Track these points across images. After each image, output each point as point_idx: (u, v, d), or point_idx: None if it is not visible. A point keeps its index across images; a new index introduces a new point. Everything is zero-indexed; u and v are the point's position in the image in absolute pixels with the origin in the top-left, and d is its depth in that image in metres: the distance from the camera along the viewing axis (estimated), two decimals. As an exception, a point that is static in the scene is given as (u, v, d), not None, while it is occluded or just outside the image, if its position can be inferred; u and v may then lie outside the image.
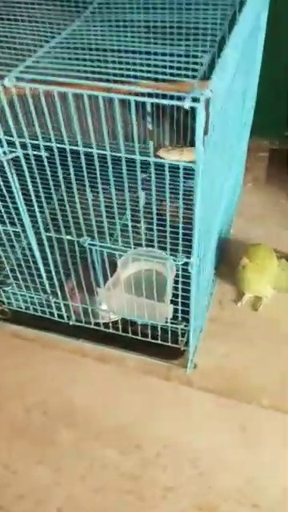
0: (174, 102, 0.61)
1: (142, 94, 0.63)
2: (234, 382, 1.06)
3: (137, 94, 0.62)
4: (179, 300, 0.96)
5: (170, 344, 1.04)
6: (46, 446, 0.97)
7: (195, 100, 0.61)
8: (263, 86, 1.32)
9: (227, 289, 1.25)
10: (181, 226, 0.81)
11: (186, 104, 0.60)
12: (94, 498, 0.90)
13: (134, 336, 1.06)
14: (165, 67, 0.65)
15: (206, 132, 0.66)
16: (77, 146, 0.71)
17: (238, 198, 1.51)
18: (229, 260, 1.30)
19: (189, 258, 0.81)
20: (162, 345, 1.06)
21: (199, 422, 1.00)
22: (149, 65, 0.67)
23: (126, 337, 1.08)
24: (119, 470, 0.93)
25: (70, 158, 0.73)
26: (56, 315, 1.08)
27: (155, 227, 0.85)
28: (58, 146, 0.71)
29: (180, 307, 0.97)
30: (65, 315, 1.08)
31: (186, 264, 0.83)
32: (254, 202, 1.51)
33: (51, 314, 1.08)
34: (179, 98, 0.61)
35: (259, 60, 1.19)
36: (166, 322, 1.00)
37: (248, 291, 1.20)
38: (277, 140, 1.47)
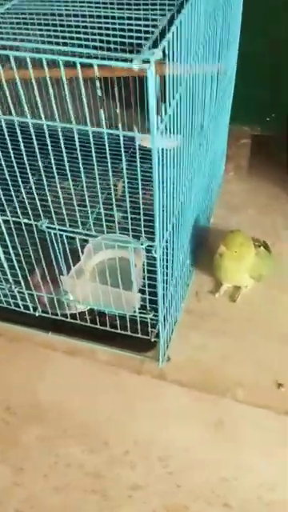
0: (122, 64, 0.56)
1: (88, 57, 0.57)
2: (208, 375, 1.00)
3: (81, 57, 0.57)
4: (146, 289, 0.90)
5: (140, 336, 0.98)
6: (8, 446, 0.92)
7: (146, 62, 0.56)
8: (243, 67, 1.27)
9: (205, 279, 1.20)
10: (141, 207, 0.76)
11: (135, 65, 0.55)
12: (55, 497, 0.84)
13: (103, 328, 1.01)
14: (115, 30, 0.60)
15: (162, 99, 0.61)
16: (26, 118, 0.66)
17: (219, 187, 1.45)
18: (207, 250, 1.25)
19: (153, 241, 0.76)
20: (135, 337, 1.01)
21: (171, 418, 0.94)
22: (100, 27, 0.61)
23: (97, 329, 1.02)
24: (84, 469, 0.88)
25: (19, 132, 0.67)
26: (21, 306, 1.03)
27: (116, 212, 0.80)
28: (5, 117, 0.66)
29: (148, 296, 0.91)
30: (30, 306, 1.02)
31: (151, 248, 0.78)
32: (236, 191, 1.46)
33: (16, 305, 1.03)
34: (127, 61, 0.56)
35: (237, 33, 1.13)
36: (135, 312, 0.94)
37: (226, 281, 1.15)
38: (258, 126, 1.42)
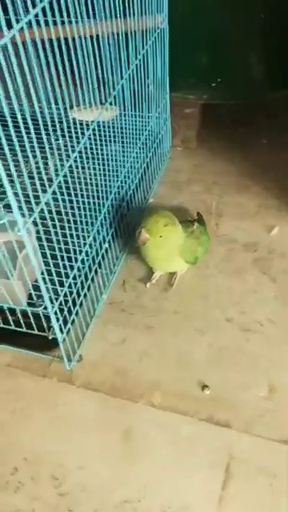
0: None
1: None
2: (123, 376, 0.87)
3: None
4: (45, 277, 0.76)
5: (37, 332, 0.85)
6: None
7: None
8: (181, 27, 1.12)
9: (136, 267, 1.06)
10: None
11: None
12: None
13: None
14: None
15: None
16: None
17: (163, 163, 1.31)
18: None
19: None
20: (41, 335, 0.87)
21: (73, 428, 0.81)
22: None
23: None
24: None
25: None
26: None
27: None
28: None
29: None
30: None
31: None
32: (182, 167, 1.31)
33: None
34: None
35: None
36: (30, 305, 0.81)
37: (157, 269, 1.01)
38: (205, 93, 1.26)
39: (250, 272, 1.03)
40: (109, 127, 1.09)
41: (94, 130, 0.87)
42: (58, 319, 0.79)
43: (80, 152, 0.85)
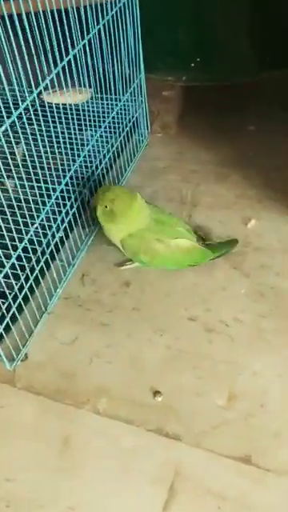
0: None
1: None
2: (69, 379, 0.79)
3: None
4: None
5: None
6: None
7: None
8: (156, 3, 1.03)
9: (98, 259, 0.98)
10: None
11: None
12: None
13: None
14: None
15: None
16: None
17: (140, 150, 1.22)
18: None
19: None
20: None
21: (10, 435, 0.74)
22: None
23: None
24: None
25: None
26: None
27: None
28: None
29: None
30: None
31: None
32: (160, 155, 1.23)
33: None
34: None
35: None
36: None
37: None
38: (184, 74, 1.17)
39: (220, 267, 0.94)
40: (71, 110, 1.01)
41: (57, 112, 0.80)
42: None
43: (37, 135, 0.78)
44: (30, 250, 0.82)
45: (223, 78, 1.18)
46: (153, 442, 0.71)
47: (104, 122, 1.03)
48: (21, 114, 0.67)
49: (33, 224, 0.81)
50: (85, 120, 1.07)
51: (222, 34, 1.12)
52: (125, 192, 0.88)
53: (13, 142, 0.72)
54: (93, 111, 1.13)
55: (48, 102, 1.08)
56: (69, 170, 0.90)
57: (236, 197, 1.09)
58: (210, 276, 0.93)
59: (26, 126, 0.76)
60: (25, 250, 0.80)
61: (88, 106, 1.15)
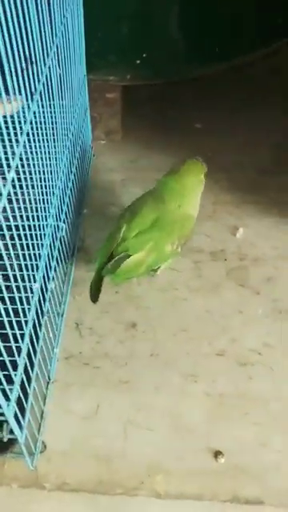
0: None
1: None
2: (109, 463, 0.64)
3: None
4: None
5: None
6: None
7: None
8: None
9: (86, 299, 0.83)
10: None
11: None
12: None
13: None
14: None
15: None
16: None
17: (88, 163, 1.07)
18: (82, 260, 0.88)
19: None
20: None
21: None
22: None
23: None
24: None
25: None
26: None
27: None
28: None
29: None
30: None
31: None
32: (112, 165, 1.09)
33: None
34: None
35: None
36: None
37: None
38: (128, 72, 1.04)
39: (227, 286, 0.85)
40: (19, 124, 0.82)
41: None
42: (16, 417, 0.53)
43: None
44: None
45: (171, 74, 1.08)
46: (233, 515, 0.60)
47: (67, 138, 0.86)
48: None
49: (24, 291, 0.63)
50: (34, 140, 0.89)
51: (169, 26, 1.01)
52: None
53: None
54: (40, 123, 0.94)
55: None
56: (43, 216, 0.73)
57: (213, 204, 1.00)
58: (220, 299, 0.83)
59: None
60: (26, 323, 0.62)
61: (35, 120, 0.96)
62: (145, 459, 0.64)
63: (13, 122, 0.59)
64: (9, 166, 0.51)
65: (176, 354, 0.76)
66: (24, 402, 0.57)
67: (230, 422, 0.68)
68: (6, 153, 0.50)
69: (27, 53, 0.58)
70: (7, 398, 0.51)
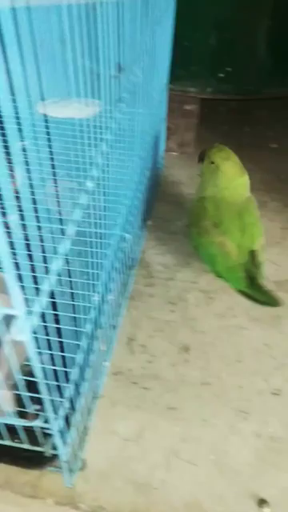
0: None
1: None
2: (147, 493, 0.62)
3: None
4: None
5: (31, 448, 0.57)
6: None
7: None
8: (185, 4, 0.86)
9: (144, 313, 0.81)
10: None
11: None
12: None
13: None
14: None
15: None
16: None
17: (159, 174, 1.05)
18: (142, 272, 0.86)
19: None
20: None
21: None
22: None
23: None
24: None
25: None
26: None
27: None
28: None
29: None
30: None
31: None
32: (181, 178, 1.07)
33: None
34: None
35: None
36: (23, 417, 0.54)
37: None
38: (209, 86, 1.01)
39: (287, 318, 0.81)
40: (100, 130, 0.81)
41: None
42: (62, 434, 0.52)
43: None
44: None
45: (252, 91, 1.04)
46: None
47: (146, 145, 0.84)
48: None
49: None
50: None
51: (257, 43, 0.97)
52: (228, 152, 0.84)
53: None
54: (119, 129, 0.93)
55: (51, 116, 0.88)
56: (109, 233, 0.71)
57: (281, 229, 0.96)
58: (280, 331, 0.79)
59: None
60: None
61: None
62: (184, 495, 0.61)
63: (94, 127, 0.57)
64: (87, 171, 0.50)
65: (228, 386, 0.72)
66: (70, 417, 0.56)
67: (279, 469, 0.64)
68: (84, 163, 0.49)
69: (120, 61, 0.56)
70: (55, 411, 0.49)
